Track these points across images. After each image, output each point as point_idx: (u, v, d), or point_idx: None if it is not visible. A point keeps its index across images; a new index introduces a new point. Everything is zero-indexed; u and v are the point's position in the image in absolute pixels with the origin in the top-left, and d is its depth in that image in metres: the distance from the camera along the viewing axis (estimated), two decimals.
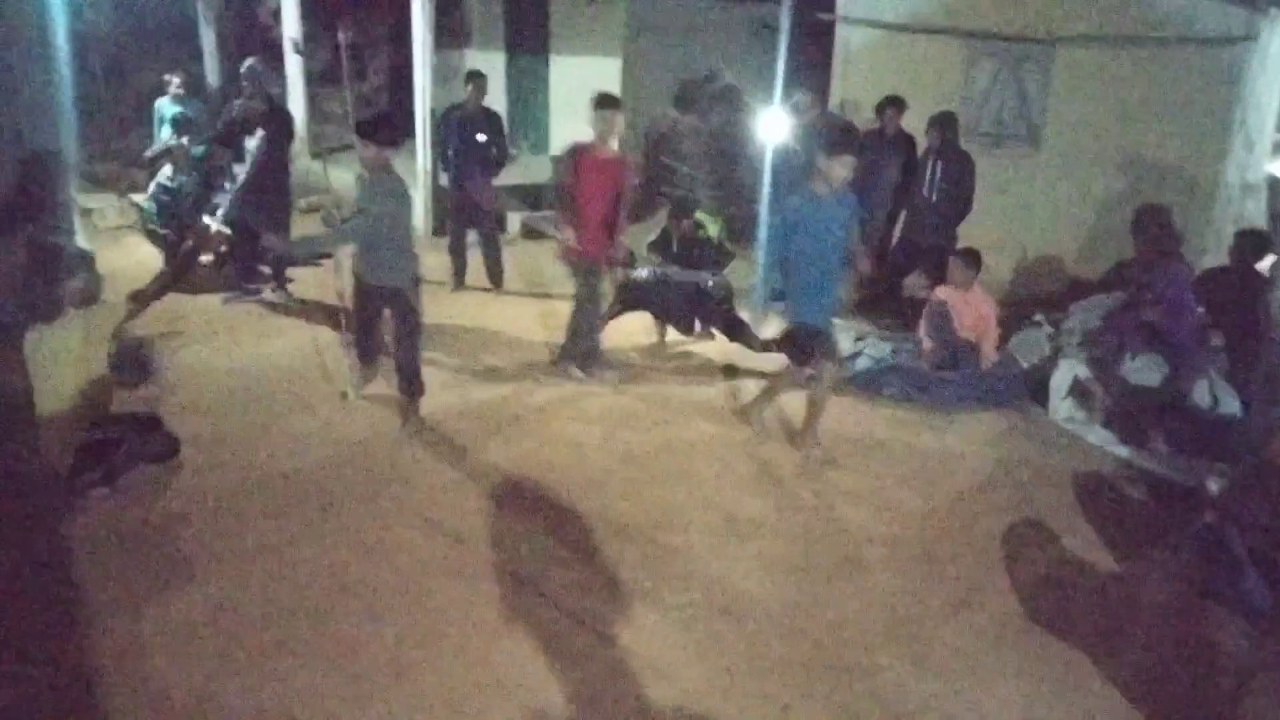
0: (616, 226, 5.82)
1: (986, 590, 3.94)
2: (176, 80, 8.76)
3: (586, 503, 4.50)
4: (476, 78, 7.79)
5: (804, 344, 4.94)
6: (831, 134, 5.56)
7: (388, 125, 5.14)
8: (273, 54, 10.92)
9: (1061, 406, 5.72)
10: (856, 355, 6.25)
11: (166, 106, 8.62)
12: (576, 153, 5.70)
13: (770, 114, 7.30)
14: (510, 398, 5.77)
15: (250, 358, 6.24)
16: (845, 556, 4.15)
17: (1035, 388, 5.95)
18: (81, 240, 7.95)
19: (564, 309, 7.39)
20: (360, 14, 11.97)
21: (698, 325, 6.65)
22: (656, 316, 6.72)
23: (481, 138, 7.63)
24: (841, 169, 4.73)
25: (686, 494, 4.66)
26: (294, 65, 10.84)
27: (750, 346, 6.46)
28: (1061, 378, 5.78)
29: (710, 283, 6.48)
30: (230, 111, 7.46)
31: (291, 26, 10.78)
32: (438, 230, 9.45)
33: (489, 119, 7.81)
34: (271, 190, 7.25)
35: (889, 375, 6.00)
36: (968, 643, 3.59)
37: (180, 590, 3.67)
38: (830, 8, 8.97)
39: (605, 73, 10.86)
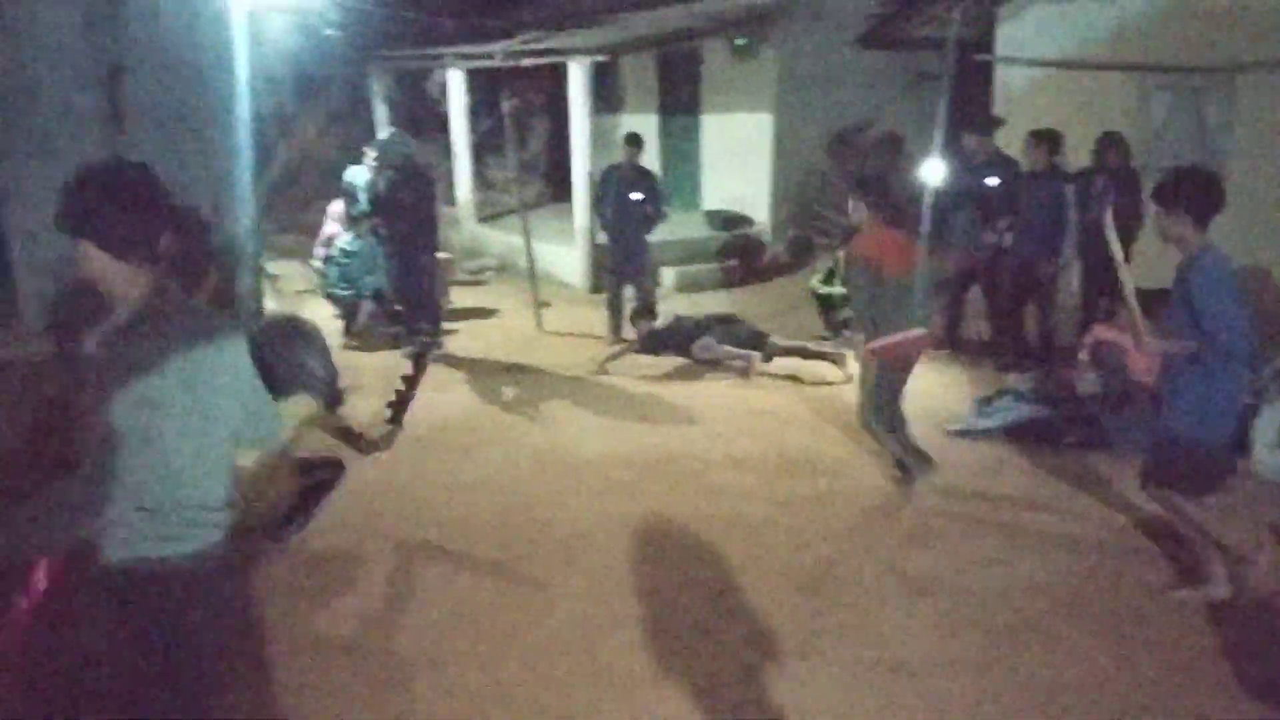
0: None
1: (1196, 658, 3.60)
2: (374, 153, 9.40)
3: (749, 552, 4.42)
4: (632, 139, 8.02)
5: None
6: None
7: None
8: (440, 127, 11.57)
9: (1269, 458, 5.24)
10: (1011, 405, 5.98)
11: (358, 175, 9.23)
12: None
13: (932, 160, 7.15)
14: (667, 446, 5.78)
15: (420, 409, 6.49)
16: (1030, 615, 3.90)
17: (1238, 437, 5.48)
18: (269, 303, 8.57)
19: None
20: (521, 84, 12.53)
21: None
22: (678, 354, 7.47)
23: (637, 196, 7.81)
24: None
25: (853, 546, 4.51)
26: (460, 136, 11.41)
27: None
28: (1267, 425, 5.31)
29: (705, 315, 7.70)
30: (376, 185, 8.00)
31: (458, 100, 11.38)
32: (595, 287, 9.71)
33: (644, 178, 8.00)
34: (416, 251, 7.62)
35: (1071, 424, 5.67)
36: (1185, 711, 3.28)
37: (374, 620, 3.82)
38: (987, 49, 8.77)
39: (757, 127, 10.95)
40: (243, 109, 8.40)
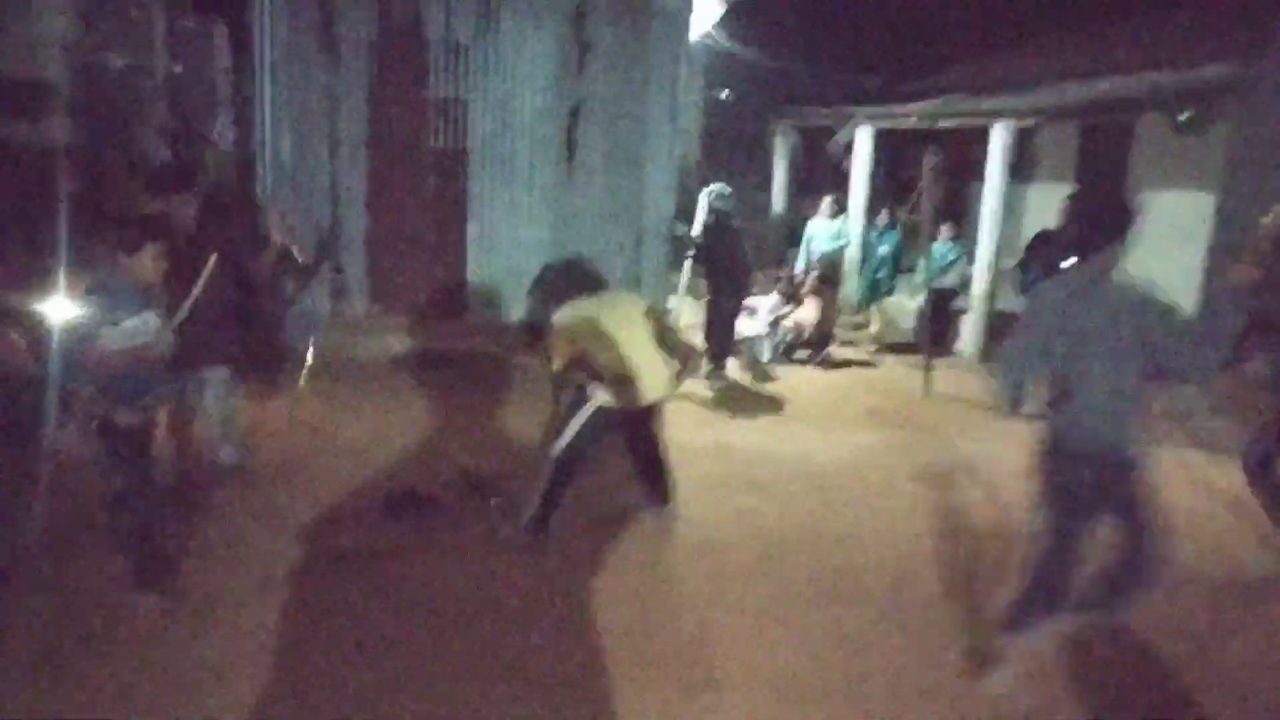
0: None
1: None
2: (828, 201, 10.25)
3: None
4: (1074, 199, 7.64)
5: None
6: None
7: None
8: (840, 185, 11.71)
9: None
10: None
11: (818, 226, 10.15)
12: None
13: None
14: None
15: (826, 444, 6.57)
16: None
17: None
18: None
19: None
20: (925, 148, 12.43)
21: None
22: None
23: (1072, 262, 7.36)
24: None
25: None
26: (859, 195, 11.50)
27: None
28: None
29: None
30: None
31: (862, 159, 11.47)
32: (985, 355, 9.29)
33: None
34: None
35: None
36: None
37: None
38: None
39: (1194, 208, 9.95)
40: (677, 152, 9.09)
